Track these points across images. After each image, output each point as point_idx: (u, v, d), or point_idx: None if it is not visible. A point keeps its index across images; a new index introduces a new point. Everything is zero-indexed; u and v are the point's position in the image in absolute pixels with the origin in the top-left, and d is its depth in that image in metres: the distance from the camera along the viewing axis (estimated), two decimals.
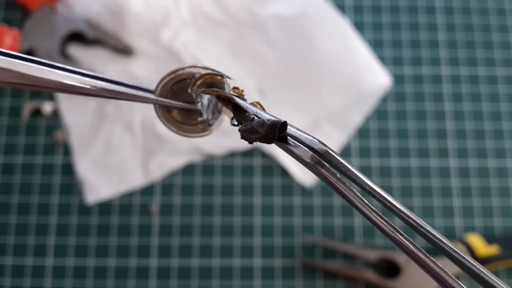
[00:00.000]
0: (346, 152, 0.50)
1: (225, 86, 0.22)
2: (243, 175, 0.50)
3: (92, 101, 0.51)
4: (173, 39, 0.52)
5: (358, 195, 0.19)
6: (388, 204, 0.19)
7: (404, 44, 0.54)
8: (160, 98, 0.23)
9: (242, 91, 0.23)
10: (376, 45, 0.54)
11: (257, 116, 0.20)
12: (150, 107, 0.25)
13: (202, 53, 0.52)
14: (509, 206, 0.49)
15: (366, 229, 0.48)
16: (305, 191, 0.49)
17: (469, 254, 0.45)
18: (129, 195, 0.49)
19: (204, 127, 0.25)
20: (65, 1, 0.52)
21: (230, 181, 0.49)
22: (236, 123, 0.21)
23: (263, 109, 0.22)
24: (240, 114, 0.21)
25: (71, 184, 0.49)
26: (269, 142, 0.19)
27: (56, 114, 0.51)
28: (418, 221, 0.19)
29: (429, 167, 0.50)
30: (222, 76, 0.23)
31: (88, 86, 0.19)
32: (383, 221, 0.19)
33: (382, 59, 0.53)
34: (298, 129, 0.20)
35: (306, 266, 0.47)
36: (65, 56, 0.51)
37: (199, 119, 0.25)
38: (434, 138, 0.51)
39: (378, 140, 0.51)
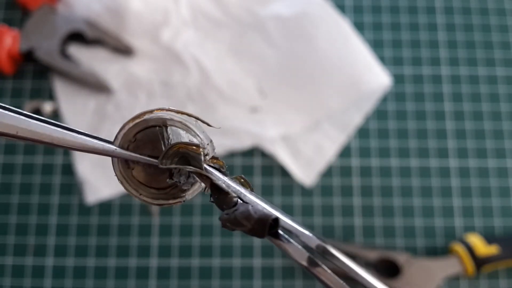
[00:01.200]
0: (346, 152, 0.50)
1: (201, 157, 0.18)
2: (244, 174, 0.49)
3: (92, 101, 0.51)
4: (173, 39, 0.52)
5: None
6: None
7: (404, 44, 0.54)
8: (120, 150, 0.18)
9: (223, 162, 0.19)
10: (376, 45, 0.54)
11: (241, 199, 0.17)
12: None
13: (202, 53, 0.52)
14: (509, 206, 0.49)
15: (366, 229, 0.48)
16: (305, 191, 0.49)
17: (469, 254, 0.45)
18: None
19: (175, 193, 0.19)
20: (65, 1, 0.52)
21: None
22: (213, 200, 0.17)
23: (249, 186, 0.18)
24: (220, 195, 0.17)
25: (71, 184, 0.49)
26: (258, 237, 0.16)
27: (56, 114, 0.51)
28: None
29: (429, 167, 0.50)
30: (197, 146, 0.18)
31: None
32: None
33: (382, 59, 0.53)
34: (292, 220, 0.17)
35: None
36: (65, 56, 0.51)
37: (168, 181, 0.19)
38: (434, 138, 0.51)
39: (378, 140, 0.51)
